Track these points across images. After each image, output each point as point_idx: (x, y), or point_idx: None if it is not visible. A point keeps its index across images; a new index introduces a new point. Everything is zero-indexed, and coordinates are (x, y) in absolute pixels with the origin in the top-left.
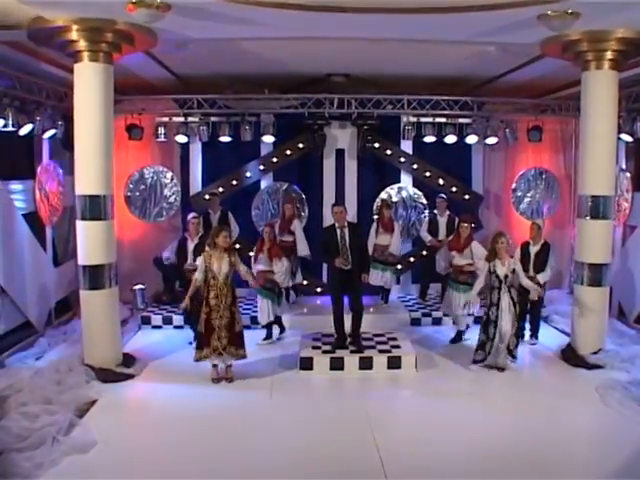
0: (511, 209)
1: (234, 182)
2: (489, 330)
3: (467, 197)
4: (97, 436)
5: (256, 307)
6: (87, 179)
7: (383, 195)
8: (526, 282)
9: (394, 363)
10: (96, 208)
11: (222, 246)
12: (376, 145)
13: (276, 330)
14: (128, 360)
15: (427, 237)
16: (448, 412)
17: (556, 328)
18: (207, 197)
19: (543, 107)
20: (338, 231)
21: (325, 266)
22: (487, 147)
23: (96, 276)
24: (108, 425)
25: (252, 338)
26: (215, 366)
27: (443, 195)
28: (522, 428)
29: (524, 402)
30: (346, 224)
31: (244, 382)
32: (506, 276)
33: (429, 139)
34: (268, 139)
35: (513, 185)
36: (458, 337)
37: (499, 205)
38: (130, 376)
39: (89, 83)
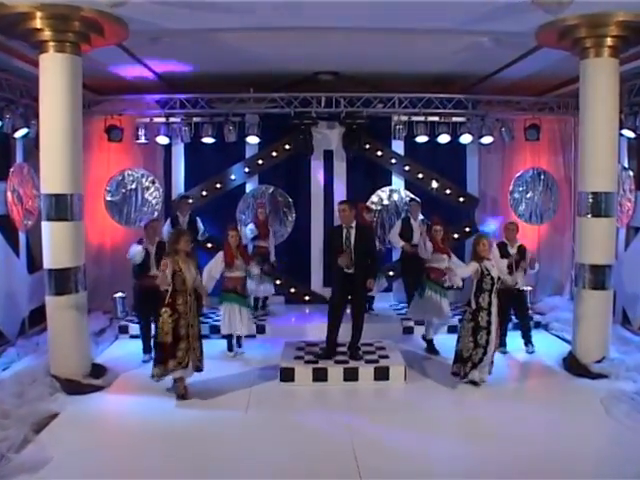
0: (509, 212)
1: (218, 185)
2: (478, 337)
3: (462, 200)
4: (52, 453)
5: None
6: (53, 177)
7: (374, 198)
8: (509, 279)
9: (382, 374)
10: (62, 208)
11: (184, 250)
12: (366, 146)
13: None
14: (98, 371)
15: (399, 242)
16: (439, 427)
17: (557, 336)
18: (190, 200)
19: (540, 105)
20: (344, 231)
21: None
22: (482, 147)
23: (63, 280)
24: (67, 441)
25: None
26: (181, 380)
27: (417, 199)
28: (521, 442)
29: (522, 415)
30: (353, 225)
31: (220, 395)
32: (499, 278)
33: (421, 139)
34: (253, 140)
35: (510, 187)
36: (432, 346)
37: (496, 208)
38: (98, 388)
39: (55, 75)
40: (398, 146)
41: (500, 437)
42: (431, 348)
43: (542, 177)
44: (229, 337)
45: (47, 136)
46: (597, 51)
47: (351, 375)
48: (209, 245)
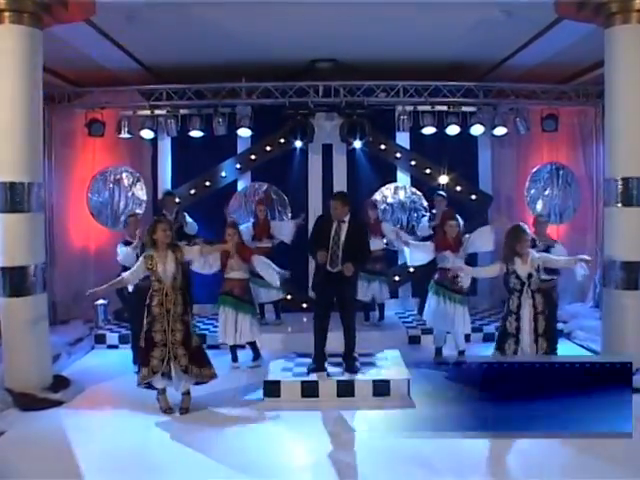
0: (525, 211)
1: (207, 183)
2: (506, 346)
3: (474, 197)
4: None
5: None
6: (6, 162)
7: (377, 196)
8: (564, 260)
9: (381, 389)
10: (18, 198)
11: (163, 242)
12: (369, 138)
13: (246, 355)
14: (59, 383)
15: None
16: (447, 458)
17: (582, 346)
18: (177, 200)
19: (558, 94)
20: (334, 225)
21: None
22: (495, 140)
23: (18, 280)
24: (4, 466)
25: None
26: (163, 392)
27: (442, 193)
28: (546, 471)
29: (548, 442)
30: (346, 219)
31: (195, 412)
32: (530, 275)
33: (428, 130)
34: (245, 133)
35: (526, 183)
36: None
37: (511, 206)
38: (57, 403)
39: (11, 49)
40: (403, 139)
41: (518, 460)
42: (440, 357)
43: (561, 172)
44: (232, 346)
45: (1, 116)
46: (624, 17)
47: (346, 390)
48: None
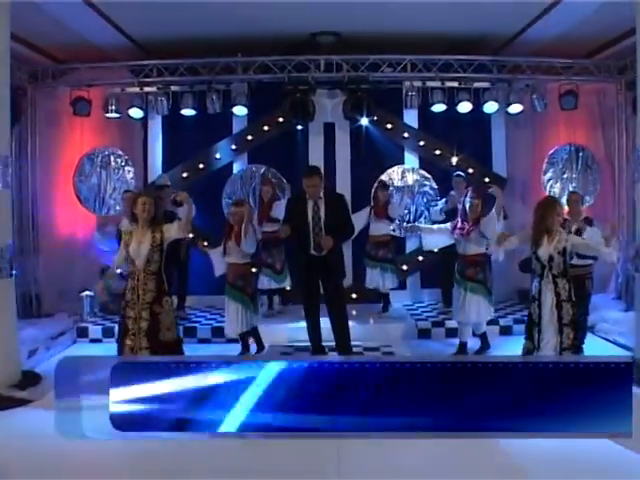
0: (542, 195)
1: (201, 166)
2: (534, 334)
3: (487, 180)
4: None
5: (223, 317)
6: None
7: (384, 178)
8: (595, 245)
9: None
10: None
11: (142, 217)
12: (374, 117)
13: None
14: (28, 380)
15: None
16: (459, 463)
17: (607, 340)
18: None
19: (577, 70)
20: (309, 204)
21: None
22: (510, 119)
23: None
24: None
25: None
26: None
27: (461, 173)
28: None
29: (582, 446)
30: (322, 195)
31: None
32: (551, 258)
33: (438, 108)
34: (240, 111)
35: (543, 165)
36: (461, 351)
37: (527, 190)
38: (23, 401)
39: None
40: (411, 117)
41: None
42: (461, 352)
43: (580, 154)
44: (242, 339)
45: None
46: None
47: None
48: (205, 243)
